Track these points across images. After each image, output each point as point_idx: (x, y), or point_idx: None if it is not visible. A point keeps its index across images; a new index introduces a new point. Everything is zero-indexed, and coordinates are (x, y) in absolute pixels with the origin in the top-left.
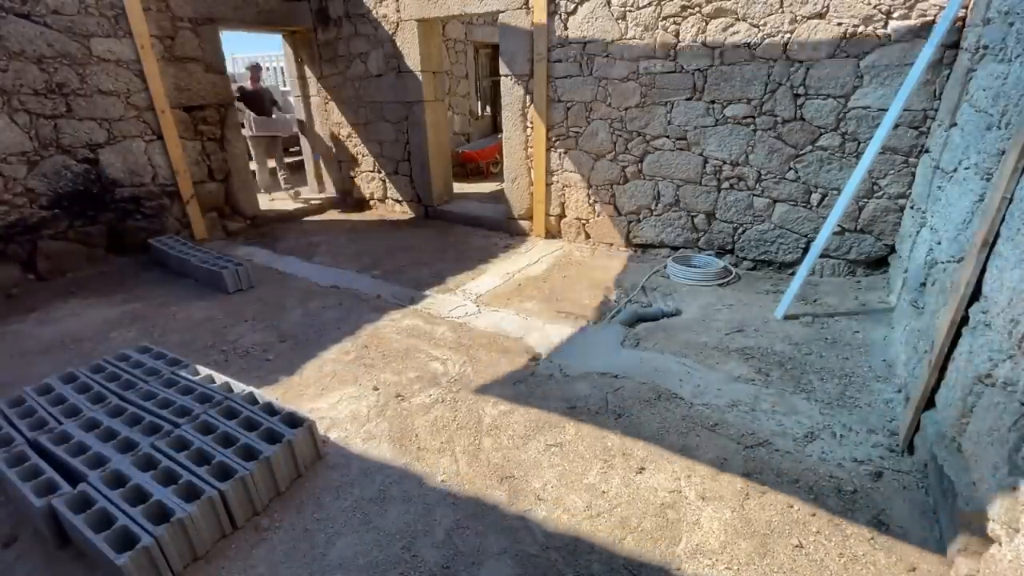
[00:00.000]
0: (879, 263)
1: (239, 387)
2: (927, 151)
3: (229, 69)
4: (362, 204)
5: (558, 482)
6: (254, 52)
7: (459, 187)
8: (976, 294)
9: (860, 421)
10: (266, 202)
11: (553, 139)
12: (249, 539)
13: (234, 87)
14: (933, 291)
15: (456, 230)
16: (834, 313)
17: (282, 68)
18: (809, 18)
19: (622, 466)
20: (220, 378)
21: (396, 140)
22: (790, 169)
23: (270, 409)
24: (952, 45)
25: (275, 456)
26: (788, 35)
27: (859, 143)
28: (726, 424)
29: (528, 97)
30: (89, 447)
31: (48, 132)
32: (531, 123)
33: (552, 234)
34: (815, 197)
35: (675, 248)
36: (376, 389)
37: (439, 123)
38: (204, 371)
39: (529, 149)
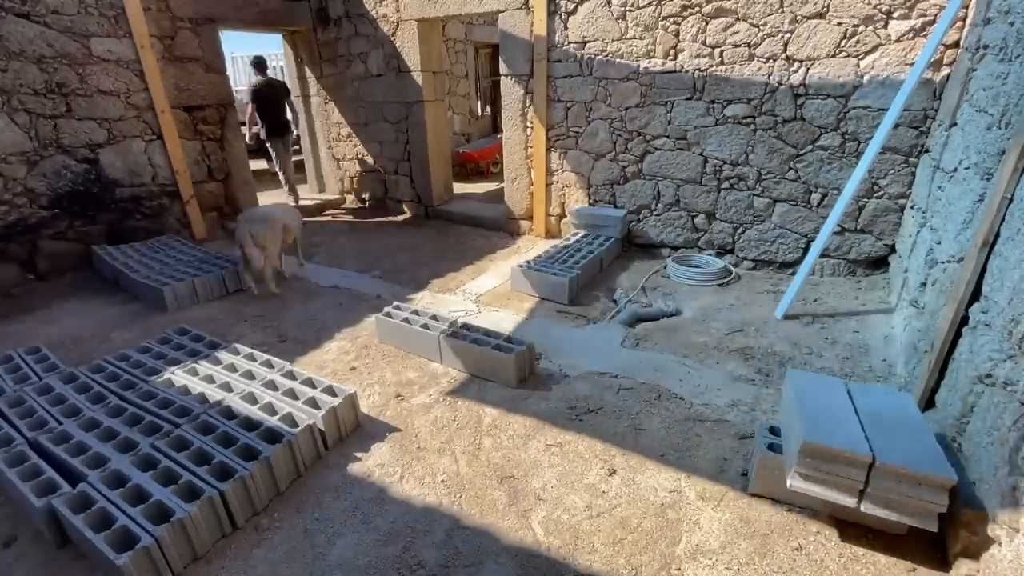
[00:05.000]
0: (879, 263)
1: (239, 387)
2: (927, 151)
3: (229, 69)
4: (362, 204)
5: (558, 482)
6: (254, 52)
7: (459, 187)
8: (976, 294)
9: None
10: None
11: (553, 139)
12: (249, 539)
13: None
14: (933, 291)
15: (456, 230)
16: (834, 313)
17: (282, 68)
18: (809, 18)
19: (622, 466)
20: (220, 377)
21: (396, 140)
22: (790, 169)
23: (270, 409)
24: (952, 45)
25: (275, 456)
26: (788, 35)
27: (859, 143)
28: (726, 424)
29: (528, 97)
30: (89, 447)
31: (48, 132)
32: (531, 123)
33: (552, 234)
34: (815, 197)
35: (675, 248)
36: (376, 389)
37: (439, 123)
38: (204, 370)
39: (529, 149)
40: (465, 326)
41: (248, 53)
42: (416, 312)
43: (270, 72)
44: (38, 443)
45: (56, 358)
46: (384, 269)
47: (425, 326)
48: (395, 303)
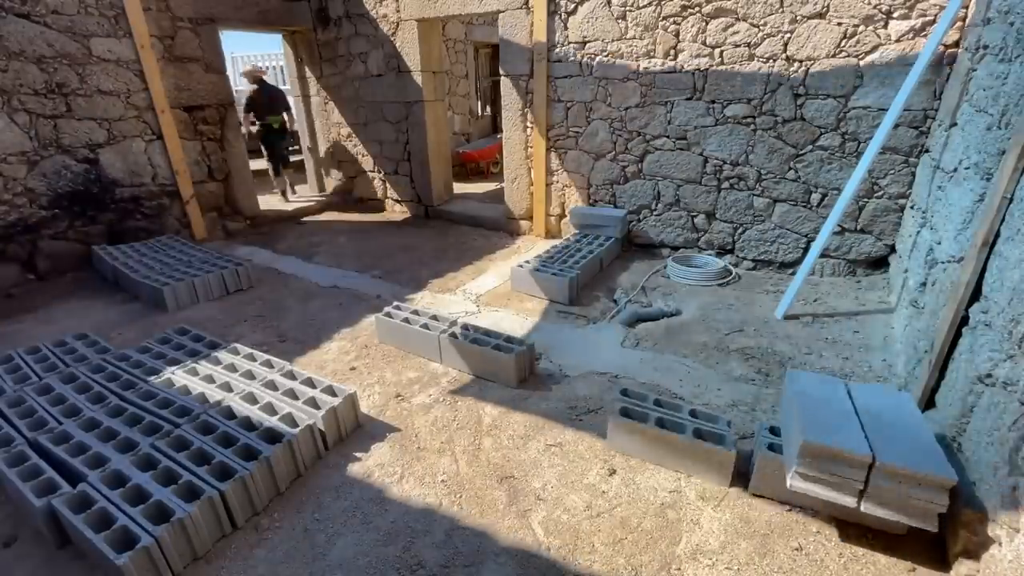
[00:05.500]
0: (879, 263)
1: (239, 387)
2: (927, 151)
3: (229, 69)
4: (362, 204)
5: (558, 482)
6: (254, 52)
7: (459, 187)
8: (976, 294)
9: None
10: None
11: (553, 139)
12: (249, 539)
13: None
14: (933, 291)
15: (456, 230)
16: (834, 313)
17: (282, 68)
18: (809, 18)
19: (622, 466)
20: (220, 377)
21: (396, 140)
22: (790, 169)
23: (270, 409)
24: (952, 45)
25: (275, 456)
26: (788, 35)
27: (859, 143)
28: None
29: (528, 97)
30: (89, 447)
31: (48, 132)
32: (531, 123)
33: (552, 234)
34: (815, 197)
35: (675, 248)
36: (376, 389)
37: (439, 123)
38: (204, 370)
39: (529, 149)
40: (465, 326)
41: (248, 53)
42: (416, 312)
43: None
44: (38, 443)
45: (59, 355)
46: (384, 269)
47: (425, 326)
48: (395, 303)
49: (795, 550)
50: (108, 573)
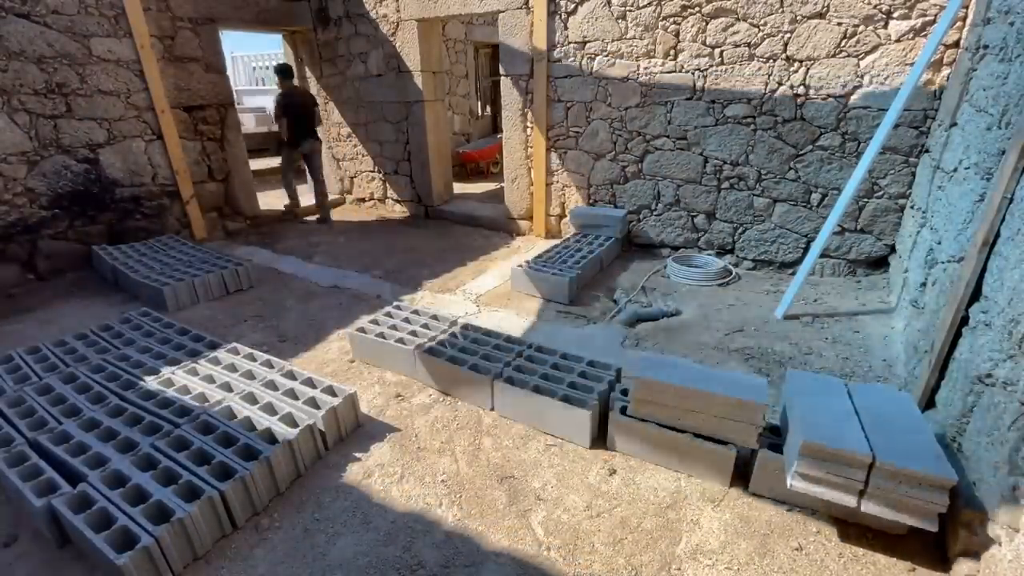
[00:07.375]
0: (879, 263)
1: (239, 387)
2: (927, 151)
3: (229, 69)
4: (362, 204)
5: (558, 482)
6: (254, 52)
7: (459, 187)
8: (976, 294)
9: None
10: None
11: (553, 139)
12: (249, 539)
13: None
14: (933, 291)
15: (456, 230)
16: (834, 313)
17: None
18: (809, 18)
19: (622, 466)
20: (220, 377)
21: (396, 140)
22: (790, 169)
23: (270, 409)
24: (952, 45)
25: (275, 456)
26: (788, 35)
27: (859, 143)
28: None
29: (528, 97)
30: (89, 447)
31: (48, 132)
32: (531, 123)
33: (552, 234)
34: (815, 197)
35: (675, 248)
36: (376, 389)
37: (439, 123)
38: (204, 370)
39: (529, 149)
40: (465, 326)
41: (248, 53)
42: (416, 312)
43: (267, 73)
44: (38, 443)
45: (59, 355)
46: (384, 269)
47: (425, 326)
48: (395, 303)
49: (795, 550)
50: (108, 573)
